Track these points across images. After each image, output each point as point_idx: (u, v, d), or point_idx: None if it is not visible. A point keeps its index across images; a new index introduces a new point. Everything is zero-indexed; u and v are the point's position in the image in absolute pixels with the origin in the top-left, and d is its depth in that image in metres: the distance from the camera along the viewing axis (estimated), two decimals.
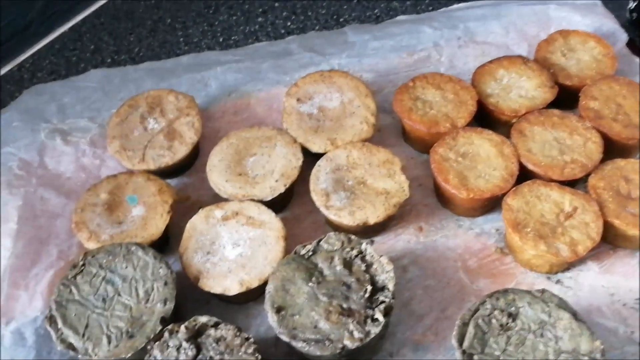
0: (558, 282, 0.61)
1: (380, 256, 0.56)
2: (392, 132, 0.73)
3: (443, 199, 0.66)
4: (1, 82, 0.84)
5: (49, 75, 0.85)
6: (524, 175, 0.64)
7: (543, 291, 0.53)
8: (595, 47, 0.73)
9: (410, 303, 0.60)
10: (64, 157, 0.71)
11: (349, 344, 0.51)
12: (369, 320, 0.53)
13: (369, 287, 0.54)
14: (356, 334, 0.52)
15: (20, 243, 0.64)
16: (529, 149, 0.65)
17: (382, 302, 0.54)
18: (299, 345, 0.52)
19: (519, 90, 0.70)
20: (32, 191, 0.68)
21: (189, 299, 0.61)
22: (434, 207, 0.67)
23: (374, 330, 0.52)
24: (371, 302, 0.54)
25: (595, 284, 0.61)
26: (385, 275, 0.55)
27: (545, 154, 0.64)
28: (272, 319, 0.54)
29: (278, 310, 0.54)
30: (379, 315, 0.53)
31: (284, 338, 0.53)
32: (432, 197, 0.68)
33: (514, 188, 0.62)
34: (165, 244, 0.65)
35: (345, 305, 0.54)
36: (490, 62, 0.72)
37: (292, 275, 0.56)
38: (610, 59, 0.72)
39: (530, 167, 0.63)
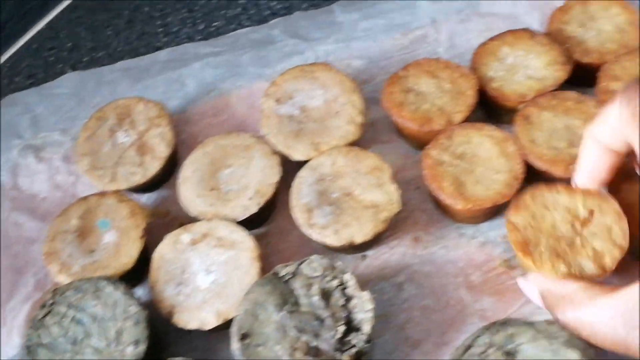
0: None
1: (363, 291, 0.50)
2: (386, 126, 0.65)
3: (440, 207, 0.59)
4: None
5: (27, 79, 0.80)
6: (532, 171, 0.55)
7: (550, 322, 0.46)
8: (619, 14, 0.63)
9: (406, 327, 0.55)
10: (37, 176, 0.67)
11: None
12: None
13: (341, 328, 0.49)
14: None
15: None
16: (532, 139, 0.56)
17: (353, 346, 0.48)
18: None
19: (526, 70, 0.61)
20: (6, 216, 0.65)
21: (171, 327, 0.57)
22: (432, 213, 0.60)
23: None
24: (342, 344, 0.49)
25: None
26: (363, 315, 0.49)
27: (552, 145, 0.55)
28: (235, 345, 0.50)
29: (243, 337, 0.50)
30: None
31: None
32: (431, 202, 0.61)
33: (515, 201, 0.52)
34: (145, 269, 0.61)
35: (313, 344, 0.49)
36: (492, 39, 0.63)
37: (264, 299, 0.51)
38: (636, 28, 0.61)
39: (531, 160, 0.55)
